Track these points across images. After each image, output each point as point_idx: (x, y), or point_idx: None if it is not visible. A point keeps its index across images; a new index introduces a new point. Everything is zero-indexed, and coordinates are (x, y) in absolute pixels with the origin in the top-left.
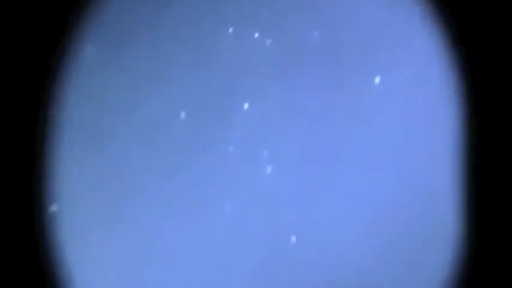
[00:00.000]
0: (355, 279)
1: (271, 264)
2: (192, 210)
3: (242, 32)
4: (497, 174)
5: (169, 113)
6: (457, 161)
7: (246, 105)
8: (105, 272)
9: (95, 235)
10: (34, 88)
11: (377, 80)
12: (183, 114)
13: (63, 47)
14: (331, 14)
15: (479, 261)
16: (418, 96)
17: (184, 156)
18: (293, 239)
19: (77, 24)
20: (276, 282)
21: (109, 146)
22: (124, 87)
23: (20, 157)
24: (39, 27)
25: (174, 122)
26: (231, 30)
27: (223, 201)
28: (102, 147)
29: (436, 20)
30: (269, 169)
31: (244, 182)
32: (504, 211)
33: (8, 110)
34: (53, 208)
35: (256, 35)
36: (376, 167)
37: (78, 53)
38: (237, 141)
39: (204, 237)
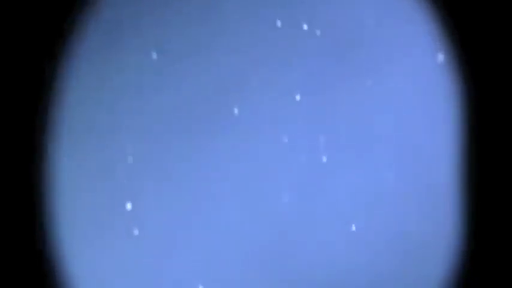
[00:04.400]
0: (355, 277)
1: (331, 253)
2: (251, 202)
3: (289, 24)
4: (497, 173)
5: (223, 107)
6: (457, 160)
7: (298, 97)
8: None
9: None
10: (34, 87)
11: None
12: (236, 110)
13: (63, 45)
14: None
15: (479, 261)
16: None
17: (239, 149)
18: (353, 228)
19: (77, 23)
20: (330, 270)
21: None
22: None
23: (20, 156)
24: (39, 26)
25: (228, 117)
26: (279, 23)
27: (281, 192)
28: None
29: (436, 19)
30: (324, 158)
31: (300, 172)
32: (504, 211)
33: (8, 109)
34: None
35: (305, 26)
36: (377, 166)
37: (77, 51)
38: (290, 131)
39: (261, 230)
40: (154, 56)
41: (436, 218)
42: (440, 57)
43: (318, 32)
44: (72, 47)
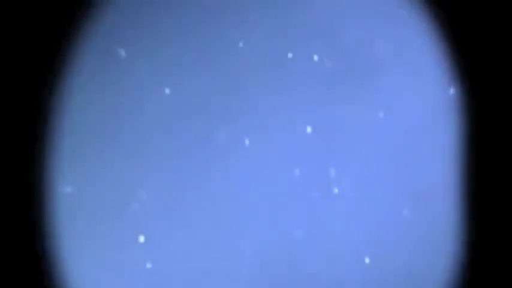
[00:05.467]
0: (357, 279)
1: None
2: (263, 235)
3: (300, 55)
4: (497, 174)
5: (233, 139)
6: (457, 162)
7: (309, 128)
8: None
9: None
10: (34, 87)
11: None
12: (247, 142)
13: (65, 47)
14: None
15: (479, 262)
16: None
17: (250, 181)
18: (367, 260)
19: (79, 25)
20: None
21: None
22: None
23: (20, 157)
24: (40, 27)
25: (238, 149)
26: (290, 55)
27: (292, 224)
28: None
29: (435, 25)
30: (336, 190)
31: (311, 205)
32: (504, 211)
33: (8, 110)
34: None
35: (316, 57)
36: (376, 168)
37: (79, 54)
38: (301, 163)
39: (272, 264)
40: (167, 91)
41: (436, 220)
42: (452, 91)
43: (329, 64)
44: (74, 48)
